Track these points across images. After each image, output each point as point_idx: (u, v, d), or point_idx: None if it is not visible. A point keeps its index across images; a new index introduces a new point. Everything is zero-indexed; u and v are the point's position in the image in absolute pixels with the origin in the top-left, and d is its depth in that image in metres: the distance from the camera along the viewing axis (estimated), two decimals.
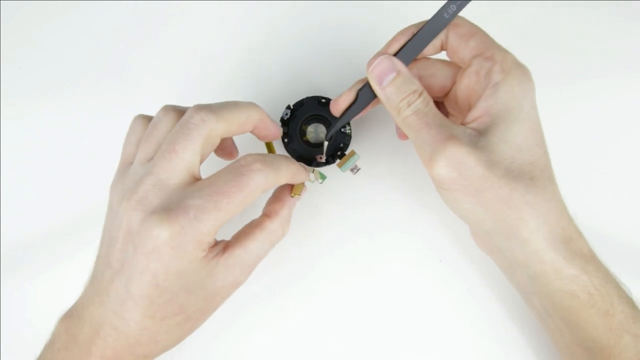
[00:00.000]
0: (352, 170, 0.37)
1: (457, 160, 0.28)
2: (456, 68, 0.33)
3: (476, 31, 0.31)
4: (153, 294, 0.27)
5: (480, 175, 0.28)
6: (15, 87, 0.43)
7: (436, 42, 0.32)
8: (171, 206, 0.27)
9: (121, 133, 0.42)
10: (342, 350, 0.39)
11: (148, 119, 0.32)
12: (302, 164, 0.33)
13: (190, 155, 0.28)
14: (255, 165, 0.28)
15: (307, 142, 0.38)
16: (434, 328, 0.39)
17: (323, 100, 0.37)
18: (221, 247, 0.30)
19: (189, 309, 0.29)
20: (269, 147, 0.35)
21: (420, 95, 0.30)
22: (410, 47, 0.31)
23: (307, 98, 0.37)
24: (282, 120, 0.37)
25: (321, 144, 0.38)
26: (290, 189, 0.34)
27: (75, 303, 0.31)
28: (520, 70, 0.30)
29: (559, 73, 0.42)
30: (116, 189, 0.30)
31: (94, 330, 0.29)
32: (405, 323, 0.39)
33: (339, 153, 0.37)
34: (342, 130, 0.37)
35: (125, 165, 0.31)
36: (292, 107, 0.37)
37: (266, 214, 0.33)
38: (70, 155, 0.43)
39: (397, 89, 0.30)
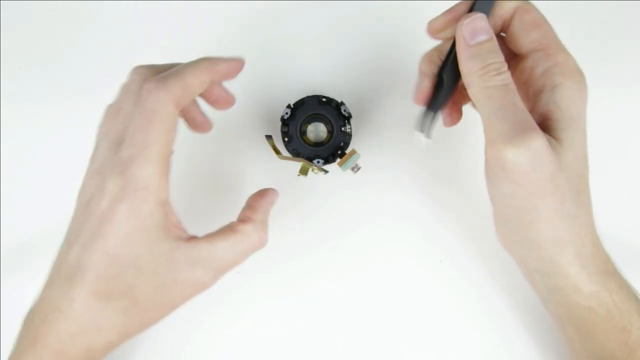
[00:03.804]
0: (352, 169, 0.37)
1: (536, 155, 0.26)
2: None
3: (542, 22, 0.29)
4: (102, 263, 0.26)
5: (546, 177, 0.27)
6: (15, 87, 0.43)
7: (497, 21, 0.29)
8: (114, 165, 0.26)
9: None
10: (342, 348, 0.39)
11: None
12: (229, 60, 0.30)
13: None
14: (146, 85, 0.26)
15: (308, 141, 0.38)
16: (434, 324, 0.39)
17: (324, 100, 0.37)
18: (187, 236, 0.28)
19: (137, 292, 0.27)
20: (273, 147, 0.36)
21: (507, 71, 0.28)
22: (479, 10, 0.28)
23: (308, 97, 0.37)
24: (282, 119, 0.37)
25: (321, 143, 0.37)
26: (264, 195, 0.32)
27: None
28: (579, 77, 0.29)
29: None
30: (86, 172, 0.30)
31: (42, 318, 0.27)
32: (406, 320, 0.39)
33: (339, 152, 0.37)
34: (342, 129, 0.37)
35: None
36: (292, 106, 0.37)
37: (240, 219, 0.30)
38: (70, 155, 0.42)
39: (487, 52, 0.27)
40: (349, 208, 0.40)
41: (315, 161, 0.36)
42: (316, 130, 0.39)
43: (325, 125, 0.38)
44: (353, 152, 0.36)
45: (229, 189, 0.41)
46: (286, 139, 0.37)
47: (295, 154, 0.37)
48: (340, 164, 0.36)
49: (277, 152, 0.36)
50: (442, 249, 0.40)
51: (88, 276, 0.26)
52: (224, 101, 0.32)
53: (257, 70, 0.43)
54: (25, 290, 0.40)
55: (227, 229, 0.29)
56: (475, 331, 0.39)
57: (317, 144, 0.38)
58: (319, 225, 0.40)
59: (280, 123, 0.37)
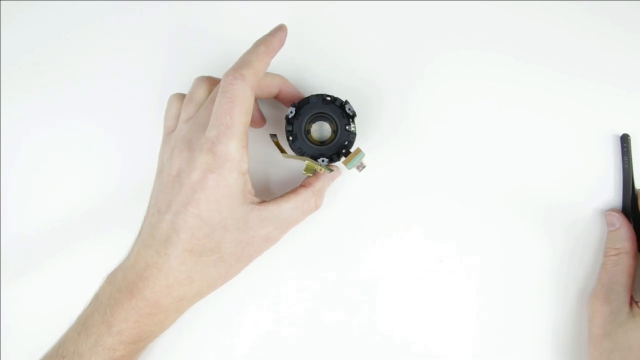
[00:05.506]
0: (357, 167, 0.36)
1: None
2: None
3: None
4: (195, 225, 0.31)
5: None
6: (15, 87, 0.43)
7: None
8: (203, 144, 0.31)
9: (122, 132, 0.42)
10: (340, 346, 0.39)
11: (182, 95, 0.37)
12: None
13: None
14: (227, 79, 0.31)
15: (312, 140, 0.38)
16: (433, 323, 0.39)
17: (328, 98, 0.37)
18: (258, 200, 0.34)
19: (223, 248, 0.32)
20: (277, 145, 0.37)
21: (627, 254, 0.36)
22: None
23: (312, 96, 0.37)
24: (286, 118, 0.37)
25: (326, 142, 0.37)
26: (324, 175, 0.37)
27: (120, 264, 0.33)
28: None
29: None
30: (164, 151, 0.34)
31: (138, 274, 0.31)
32: (405, 319, 0.39)
33: (343, 151, 0.37)
34: (347, 128, 0.37)
35: (168, 133, 0.36)
36: (296, 105, 0.37)
37: (302, 185, 0.36)
38: (70, 154, 0.42)
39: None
40: (354, 206, 0.41)
41: (319, 160, 0.36)
42: (320, 129, 0.39)
43: (330, 124, 0.38)
44: (358, 150, 0.36)
45: None
46: (290, 138, 0.37)
47: (300, 152, 0.37)
48: (345, 163, 0.36)
49: (282, 150, 0.36)
50: (444, 247, 0.40)
51: (183, 237, 0.31)
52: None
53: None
54: (25, 290, 0.40)
55: (290, 192, 0.35)
56: (474, 331, 0.39)
57: (322, 143, 0.38)
58: (323, 222, 0.40)
59: (284, 122, 0.37)
